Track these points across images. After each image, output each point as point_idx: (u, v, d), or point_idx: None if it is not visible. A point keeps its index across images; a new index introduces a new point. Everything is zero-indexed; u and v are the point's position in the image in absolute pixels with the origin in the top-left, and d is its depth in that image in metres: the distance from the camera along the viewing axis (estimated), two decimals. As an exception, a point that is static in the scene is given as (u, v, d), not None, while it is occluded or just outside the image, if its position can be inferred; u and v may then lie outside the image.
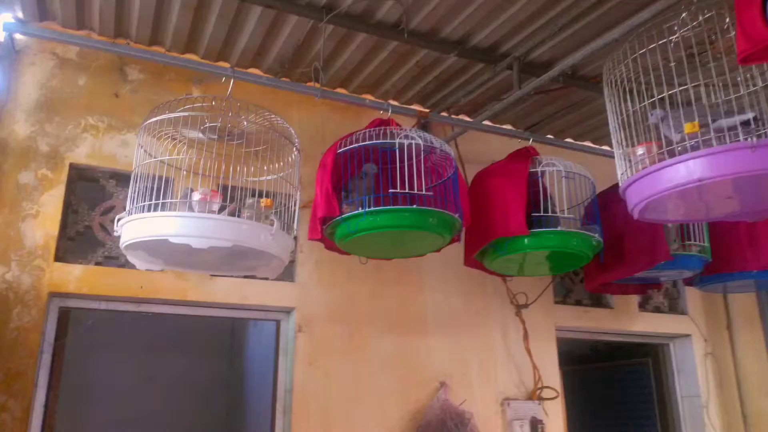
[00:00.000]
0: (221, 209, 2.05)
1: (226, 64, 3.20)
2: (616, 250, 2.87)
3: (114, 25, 2.89)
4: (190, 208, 2.01)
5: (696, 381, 4.08)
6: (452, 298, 3.44)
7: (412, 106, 3.62)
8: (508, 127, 3.85)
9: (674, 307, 4.24)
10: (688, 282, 3.37)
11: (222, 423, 5.18)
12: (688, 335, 4.15)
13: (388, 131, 2.46)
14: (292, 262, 3.13)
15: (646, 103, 1.86)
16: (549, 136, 3.87)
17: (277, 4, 2.66)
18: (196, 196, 2.01)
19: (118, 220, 2.12)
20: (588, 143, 3.92)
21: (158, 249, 2.14)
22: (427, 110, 3.18)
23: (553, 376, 3.56)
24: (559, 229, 2.53)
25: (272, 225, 2.04)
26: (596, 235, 2.59)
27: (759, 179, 1.61)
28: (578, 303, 3.87)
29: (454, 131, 3.54)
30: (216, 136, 2.34)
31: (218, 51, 3.09)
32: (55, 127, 2.86)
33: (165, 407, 4.99)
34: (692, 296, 4.23)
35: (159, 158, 2.23)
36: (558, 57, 2.95)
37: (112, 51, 2.73)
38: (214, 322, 4.99)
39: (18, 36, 2.85)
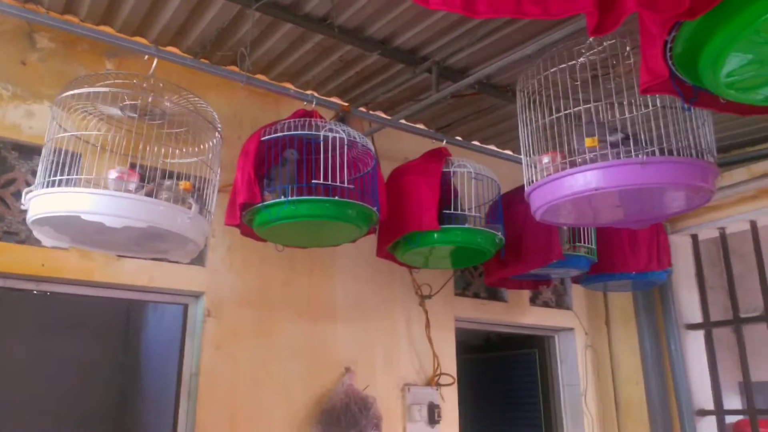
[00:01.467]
0: (138, 189, 2.03)
1: (144, 40, 3.12)
2: (515, 248, 3.10)
3: (26, -13, 2.74)
4: (106, 186, 1.97)
5: (576, 371, 4.47)
6: (361, 288, 3.55)
7: (332, 99, 3.70)
8: (422, 126, 4.02)
9: (561, 302, 4.61)
10: (576, 280, 3.69)
11: (114, 407, 5.01)
12: (571, 329, 4.53)
13: (312, 123, 2.52)
14: (204, 246, 3.11)
15: (553, 116, 2.05)
16: (458, 137, 4.07)
17: (206, -14, 2.64)
18: (113, 174, 1.98)
19: (27, 193, 2.04)
20: (493, 147, 4.16)
21: (67, 226, 2.08)
22: (348, 104, 3.25)
23: (450, 364, 3.78)
24: (466, 226, 2.70)
25: (190, 208, 2.04)
26: (499, 233, 2.80)
27: (644, 192, 1.84)
28: (476, 296, 4.12)
29: (372, 127, 3.64)
30: (135, 115, 2.29)
31: (137, 26, 3.00)
32: (-48, 92, 2.67)
33: (53, 391, 4.76)
34: (577, 293, 4.61)
35: (77, 133, 2.16)
36: (474, 65, 3.13)
37: (22, 17, 2.58)
38: (108, 303, 4.80)
39: None
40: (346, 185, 2.38)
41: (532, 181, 2.06)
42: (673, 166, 1.79)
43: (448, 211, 2.72)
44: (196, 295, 3.09)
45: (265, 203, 2.38)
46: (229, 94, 3.35)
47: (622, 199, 1.95)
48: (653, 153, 1.92)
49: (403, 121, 3.86)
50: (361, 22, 2.86)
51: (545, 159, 2.03)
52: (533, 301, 4.43)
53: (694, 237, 4.49)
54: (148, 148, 2.24)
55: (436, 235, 2.74)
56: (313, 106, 2.73)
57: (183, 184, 2.11)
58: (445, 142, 3.12)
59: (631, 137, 1.89)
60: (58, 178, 2.03)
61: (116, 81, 2.19)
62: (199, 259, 3.08)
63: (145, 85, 2.28)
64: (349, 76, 3.42)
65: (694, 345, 4.34)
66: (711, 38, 1.09)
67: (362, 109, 3.69)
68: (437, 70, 3.08)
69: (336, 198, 2.37)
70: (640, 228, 2.70)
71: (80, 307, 4.83)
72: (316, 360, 3.29)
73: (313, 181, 2.36)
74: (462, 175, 2.80)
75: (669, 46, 1.20)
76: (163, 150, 2.35)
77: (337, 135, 2.43)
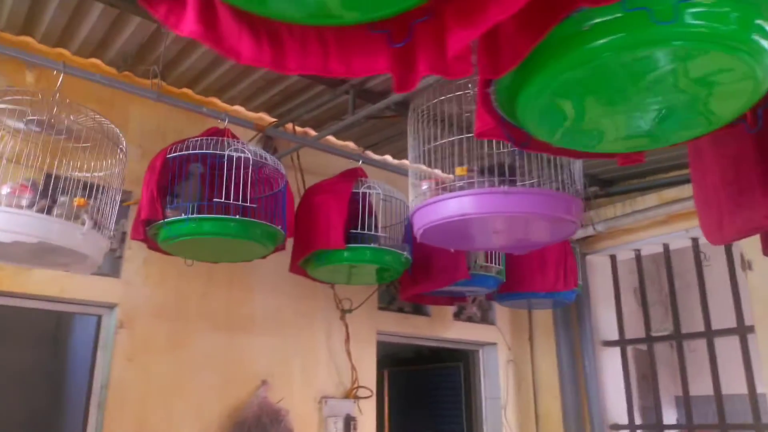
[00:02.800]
0: (31, 205, 2.07)
1: (66, 51, 3.15)
2: (425, 267, 3.22)
3: (-62, -3, 2.74)
4: (-1, 203, 2.01)
5: (498, 384, 4.61)
6: (281, 301, 3.61)
7: (259, 114, 3.77)
8: (351, 144, 4.12)
9: (485, 317, 4.75)
10: (490, 297, 3.83)
11: (42, 415, 4.94)
12: (494, 343, 4.67)
13: (220, 141, 2.59)
14: (118, 257, 3.14)
15: (438, 142, 2.17)
16: (387, 156, 4.19)
17: (120, 4, 2.69)
18: (5, 190, 2.01)
19: None
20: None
21: (-38, 239, 2.10)
22: (265, 124, 3.33)
23: (370, 377, 3.86)
24: (372, 245, 2.80)
25: (83, 225, 2.09)
26: (405, 252, 2.90)
27: (512, 220, 1.97)
28: (400, 310, 4.22)
29: (294, 145, 3.73)
30: (39, 129, 2.33)
31: (58, 37, 3.04)
32: None
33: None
34: (502, 309, 4.75)
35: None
36: (390, 89, 3.24)
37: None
38: (39, 312, 4.74)
39: None
40: (248, 204, 2.44)
41: (415, 205, 2.18)
42: (535, 197, 1.93)
43: (355, 231, 2.81)
44: (110, 307, 3.11)
45: (167, 220, 2.43)
46: (151, 107, 3.35)
47: (496, 225, 2.08)
48: (532, 184, 2.06)
49: (331, 138, 3.97)
50: (278, 44, 2.95)
51: (424, 185, 2.14)
52: (457, 315, 4.55)
53: (613, 257, 4.70)
54: (51, 162, 2.28)
55: (345, 254, 2.83)
56: (226, 124, 2.79)
57: (78, 201, 2.15)
58: (360, 162, 3.22)
59: (507, 168, 2.01)
60: (-49, 191, 2.05)
61: (23, 97, 2.21)
62: (113, 271, 3.11)
63: (52, 100, 2.32)
64: (274, 94, 3.50)
65: (612, 361, 4.54)
66: (520, 93, 1.21)
67: (290, 125, 3.78)
68: (354, 93, 3.18)
69: (239, 217, 2.44)
70: (523, 253, 2.84)
71: (7, 314, 4.76)
72: (231, 372, 3.33)
73: (215, 199, 2.43)
74: (371, 196, 2.89)
75: (493, 96, 1.32)
76: (69, 163, 2.39)
77: (242, 155, 2.50)
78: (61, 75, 2.44)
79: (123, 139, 2.42)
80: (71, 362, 4.67)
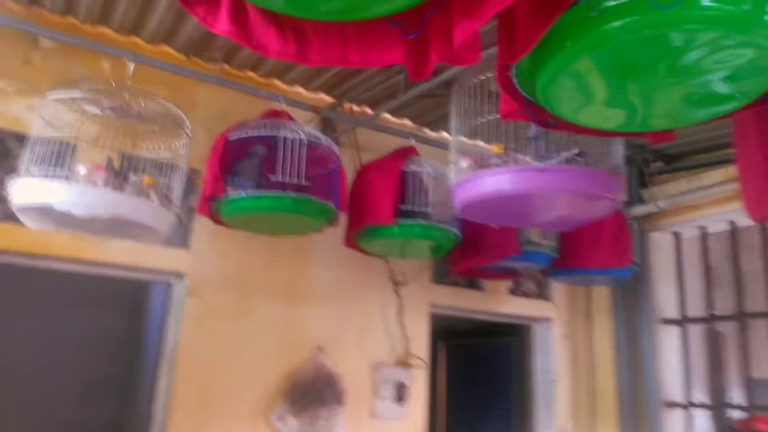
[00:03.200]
0: (105, 183, 2.29)
1: (139, 39, 3.39)
2: (475, 242, 3.29)
3: (29, -8, 3.02)
4: (77, 180, 2.24)
5: (552, 360, 4.64)
6: (338, 273, 3.78)
7: (319, 94, 3.92)
8: (408, 122, 4.22)
9: (542, 293, 4.76)
10: (544, 273, 3.85)
11: (124, 377, 5.39)
12: (549, 319, 4.69)
13: (277, 123, 2.75)
14: (188, 230, 3.39)
15: (479, 121, 2.23)
16: (444, 132, 4.25)
17: (185, -6, 2.87)
18: (83, 170, 2.24)
19: (10, 182, 2.32)
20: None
21: (48, 212, 2.36)
22: (321, 105, 3.46)
23: (422, 348, 4.00)
24: (421, 221, 2.90)
25: (152, 201, 2.30)
26: (454, 228, 2.99)
27: (549, 197, 2.02)
28: (454, 284, 4.31)
29: (348, 125, 3.85)
30: (114, 114, 2.55)
31: (130, 27, 3.27)
32: (-39, 86, 2.98)
33: (66, 362, 5.16)
34: (559, 285, 4.75)
35: (56, 131, 2.43)
36: (442, 68, 3.29)
37: (25, 30, 2.88)
38: (118, 280, 5.15)
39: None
40: (302, 183, 2.59)
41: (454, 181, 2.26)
42: (570, 174, 1.96)
43: (405, 208, 2.92)
44: (180, 276, 3.36)
45: (229, 197, 2.62)
46: (218, 90, 3.58)
47: (534, 202, 2.13)
48: (572, 161, 2.09)
49: (388, 116, 4.08)
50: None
51: (464, 162, 2.21)
52: (513, 291, 4.60)
53: (677, 235, 4.58)
54: (120, 144, 2.51)
55: (395, 229, 2.95)
56: (283, 105, 2.94)
57: (146, 179, 2.37)
58: (413, 141, 3.30)
59: (545, 144, 2.05)
60: (39, 170, 2.30)
61: (98, 86, 2.44)
62: (183, 242, 3.36)
63: (124, 87, 2.54)
64: (333, 74, 3.63)
65: (673, 340, 4.47)
66: (539, 75, 1.26)
67: (348, 104, 3.91)
68: (406, 73, 3.25)
69: (293, 193, 2.60)
70: (563, 230, 2.85)
71: (89, 282, 5.19)
72: (290, 339, 3.55)
73: (271, 177, 2.59)
74: (420, 174, 2.99)
75: (515, 79, 1.37)
76: (135, 145, 2.62)
77: (296, 136, 2.65)
78: (132, 64, 2.66)
79: (187, 122, 2.62)
80: (148, 327, 5.05)
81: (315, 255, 3.73)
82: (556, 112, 1.40)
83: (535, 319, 4.73)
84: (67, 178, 2.29)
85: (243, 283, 3.48)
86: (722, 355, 4.24)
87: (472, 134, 2.30)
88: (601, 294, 4.75)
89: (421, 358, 3.92)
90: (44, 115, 2.42)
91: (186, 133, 2.58)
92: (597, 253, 3.49)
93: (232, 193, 2.62)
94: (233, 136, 2.69)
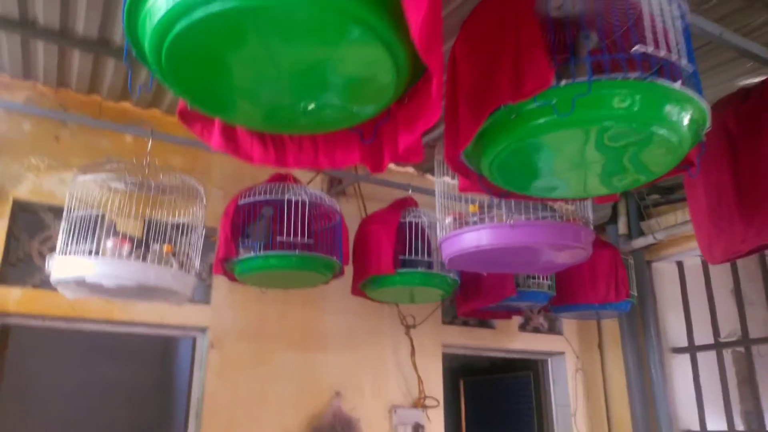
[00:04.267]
0: (129, 254, 2.56)
1: (157, 111, 3.73)
2: (475, 285, 3.48)
3: (57, 75, 3.37)
4: (104, 252, 2.52)
5: (567, 392, 4.74)
6: (350, 320, 4.00)
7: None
8: (410, 169, 4.47)
9: (552, 327, 4.90)
10: (546, 309, 4.01)
11: (155, 425, 5.64)
12: (562, 353, 4.81)
13: (282, 186, 3.01)
14: (208, 286, 3.65)
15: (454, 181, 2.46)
16: (446, 177, 4.48)
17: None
18: (110, 243, 2.52)
19: (49, 259, 2.61)
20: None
21: (82, 283, 2.63)
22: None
23: (437, 388, 4.16)
24: (420, 269, 3.11)
25: (172, 267, 2.56)
26: (451, 274, 3.19)
27: (523, 248, 2.23)
28: (465, 324, 4.48)
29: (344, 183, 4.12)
30: (136, 188, 2.85)
31: (150, 100, 3.61)
32: (1, 167, 3.32)
33: (102, 409, 5.44)
34: (569, 319, 4.88)
35: (86, 207, 2.72)
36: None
37: (51, 116, 3.23)
38: (149, 335, 5.45)
39: (-31, 87, 3.32)
40: (306, 241, 2.84)
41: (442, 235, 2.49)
42: (538, 228, 2.16)
43: (403, 257, 3.14)
44: (203, 330, 3.62)
45: (240, 257, 2.87)
46: (230, 154, 3.89)
47: (512, 253, 2.33)
48: (545, 217, 2.30)
49: (391, 165, 4.32)
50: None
51: (447, 219, 2.43)
52: (524, 327, 4.75)
53: (680, 264, 4.71)
54: (143, 213, 2.79)
55: (396, 278, 3.16)
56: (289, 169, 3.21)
57: (166, 247, 2.63)
58: (410, 191, 3.54)
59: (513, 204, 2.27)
60: (71, 248, 2.59)
61: (119, 165, 2.74)
62: (205, 298, 3.62)
63: (144, 163, 2.83)
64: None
65: (683, 368, 4.55)
66: (481, 160, 1.49)
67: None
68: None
69: (298, 252, 2.84)
70: (549, 273, 3.03)
71: (123, 334, 5.50)
72: (308, 385, 3.75)
73: (278, 238, 2.84)
74: (417, 223, 3.21)
75: (465, 160, 1.60)
76: (161, 213, 2.90)
77: (299, 198, 2.91)
78: (150, 140, 2.96)
79: (202, 192, 2.89)
80: (177, 377, 5.31)
81: (327, 303, 3.95)
82: (505, 187, 1.62)
83: (548, 354, 4.86)
84: (96, 251, 2.57)
85: (260, 333, 3.71)
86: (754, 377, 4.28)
87: (454, 192, 2.52)
88: (611, 326, 4.87)
89: (436, 398, 4.08)
90: (75, 193, 2.72)
91: (201, 201, 2.86)
92: (593, 289, 3.65)
93: (243, 254, 2.88)
94: (243, 201, 2.96)
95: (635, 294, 3.86)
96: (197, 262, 2.83)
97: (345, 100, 1.23)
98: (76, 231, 2.60)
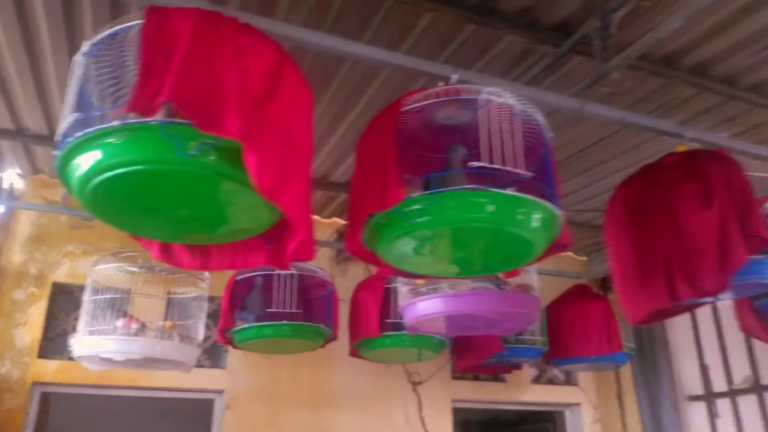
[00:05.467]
0: (138, 331, 2.93)
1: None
2: (466, 344, 3.67)
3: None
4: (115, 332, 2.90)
5: (585, 444, 4.76)
6: (359, 378, 4.23)
7: (333, 218, 4.54)
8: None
9: (568, 379, 4.95)
10: (546, 363, 4.12)
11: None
12: (578, 404, 4.85)
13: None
14: (225, 351, 3.99)
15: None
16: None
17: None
18: (119, 323, 2.91)
19: (70, 339, 3.02)
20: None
21: (97, 358, 3.03)
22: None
23: (446, 443, 4.30)
24: (403, 332, 3.34)
25: (174, 340, 2.92)
26: (440, 336, 3.40)
27: (469, 315, 2.45)
28: (476, 378, 4.62)
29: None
30: (147, 271, 3.25)
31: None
32: (42, 255, 3.81)
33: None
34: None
35: (103, 292, 3.13)
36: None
37: (74, 215, 3.69)
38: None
39: (15, 185, 3.87)
40: (294, 311, 3.14)
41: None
42: (479, 297, 2.38)
43: (389, 321, 3.38)
44: (219, 392, 3.94)
45: (237, 328, 3.20)
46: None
47: (462, 318, 2.54)
48: (489, 287, 2.53)
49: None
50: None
51: (404, 289, 2.69)
52: (537, 379, 4.83)
53: (691, 310, 4.71)
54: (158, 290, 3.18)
55: (386, 340, 3.40)
56: (284, 244, 3.55)
57: (169, 323, 2.99)
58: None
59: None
60: (89, 329, 2.99)
61: (131, 253, 3.16)
62: (220, 362, 3.96)
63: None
64: (340, 202, 4.25)
65: (700, 415, 4.51)
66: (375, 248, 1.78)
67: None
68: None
69: (290, 322, 3.14)
70: (504, 334, 3.19)
71: (173, 401, 5.95)
72: (319, 443, 3.98)
73: (270, 309, 3.16)
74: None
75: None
76: (170, 290, 3.28)
77: (289, 273, 3.23)
78: (160, 228, 3.37)
79: (207, 275, 3.27)
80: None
81: (336, 363, 4.21)
82: (403, 269, 1.90)
83: (563, 405, 4.90)
84: (109, 331, 2.96)
85: (273, 394, 3.99)
86: None
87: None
88: (627, 375, 4.88)
89: (442, 453, 4.22)
90: (93, 280, 3.14)
91: (203, 280, 3.23)
92: (586, 342, 3.75)
93: (239, 325, 3.20)
94: (240, 276, 3.31)
95: (631, 345, 3.92)
96: (201, 335, 3.17)
97: (241, 222, 1.56)
98: (93, 314, 3.00)
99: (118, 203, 1.48)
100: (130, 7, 1.75)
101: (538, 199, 1.57)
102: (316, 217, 4.50)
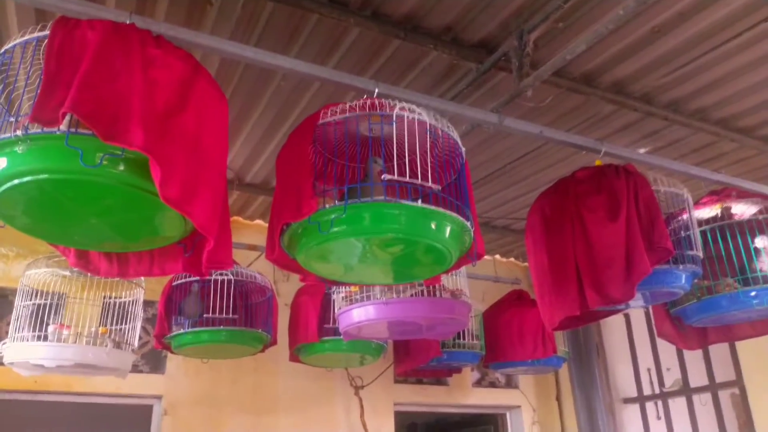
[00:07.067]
0: (68, 337, 2.90)
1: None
2: (405, 348, 3.74)
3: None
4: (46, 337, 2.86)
5: (525, 446, 4.89)
6: (302, 382, 4.25)
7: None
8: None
9: (509, 382, 5.07)
10: (485, 366, 4.22)
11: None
12: (518, 406, 4.97)
13: (215, 266, 3.35)
14: (164, 357, 3.96)
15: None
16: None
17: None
18: (51, 328, 2.87)
19: (2, 345, 2.96)
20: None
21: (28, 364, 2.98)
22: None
23: (388, 446, 4.36)
24: (341, 337, 3.38)
25: (107, 347, 2.90)
26: (377, 340, 3.46)
27: (402, 321, 2.52)
28: (418, 381, 4.69)
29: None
30: (81, 274, 3.21)
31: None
32: (-26, 258, 3.73)
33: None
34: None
35: (35, 296, 3.08)
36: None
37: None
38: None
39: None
40: (231, 316, 3.15)
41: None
42: (409, 304, 2.45)
43: (327, 325, 3.42)
44: (158, 398, 3.91)
45: (174, 333, 3.19)
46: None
47: (397, 324, 2.61)
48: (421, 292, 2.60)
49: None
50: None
51: (341, 295, 2.74)
52: (479, 382, 4.94)
53: (626, 315, 4.89)
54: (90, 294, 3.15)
55: (324, 345, 3.44)
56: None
57: (102, 329, 2.97)
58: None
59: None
60: (20, 334, 2.95)
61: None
62: (160, 368, 3.93)
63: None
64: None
65: (634, 417, 4.69)
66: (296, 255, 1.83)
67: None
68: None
69: (226, 327, 3.15)
70: (437, 338, 3.29)
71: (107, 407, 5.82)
72: (259, 448, 3.99)
73: (205, 315, 3.16)
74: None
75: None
76: (105, 294, 3.25)
77: (226, 278, 3.24)
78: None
79: (143, 280, 3.24)
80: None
81: (278, 368, 4.22)
82: (324, 277, 1.95)
83: (504, 408, 5.02)
84: (40, 337, 2.92)
85: (213, 399, 3.98)
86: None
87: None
88: (565, 379, 5.03)
89: (383, 455, 4.27)
90: (25, 284, 3.09)
91: (139, 285, 3.20)
92: (521, 346, 3.86)
93: (175, 330, 3.20)
94: (177, 282, 3.30)
95: (566, 349, 4.05)
96: (136, 340, 3.15)
97: (155, 231, 1.59)
98: (25, 318, 2.96)
99: (28, 210, 1.49)
100: (51, 15, 1.75)
101: (447, 212, 1.64)
102: (260, 221, 4.51)
